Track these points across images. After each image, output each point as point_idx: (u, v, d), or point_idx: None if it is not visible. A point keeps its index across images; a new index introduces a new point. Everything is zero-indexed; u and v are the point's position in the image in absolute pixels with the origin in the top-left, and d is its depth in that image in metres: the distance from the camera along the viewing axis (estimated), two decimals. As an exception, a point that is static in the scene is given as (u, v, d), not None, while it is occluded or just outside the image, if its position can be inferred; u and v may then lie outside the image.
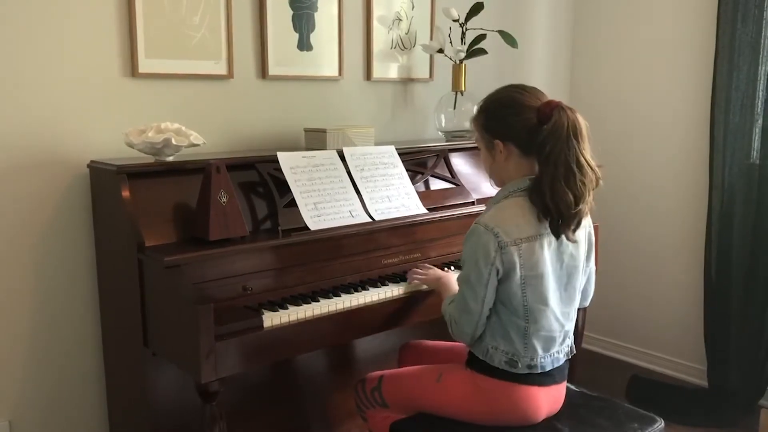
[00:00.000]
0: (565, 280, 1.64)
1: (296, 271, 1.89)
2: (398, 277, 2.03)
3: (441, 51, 2.65)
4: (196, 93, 2.22)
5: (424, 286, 1.98)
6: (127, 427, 2.03)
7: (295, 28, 2.41)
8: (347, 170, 2.11)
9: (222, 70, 2.25)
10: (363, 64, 2.64)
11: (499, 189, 1.70)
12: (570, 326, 1.69)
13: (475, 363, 1.67)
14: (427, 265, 2.07)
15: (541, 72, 3.30)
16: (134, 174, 1.80)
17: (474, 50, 2.67)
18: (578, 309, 1.73)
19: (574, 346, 1.73)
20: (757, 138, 2.70)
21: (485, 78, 2.97)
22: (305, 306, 1.77)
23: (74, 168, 2.00)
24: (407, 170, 2.26)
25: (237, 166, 1.94)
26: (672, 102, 3.04)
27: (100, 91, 2.03)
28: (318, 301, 1.82)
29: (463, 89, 2.70)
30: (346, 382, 2.32)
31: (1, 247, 1.92)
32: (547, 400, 1.67)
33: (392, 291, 1.94)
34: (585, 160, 1.54)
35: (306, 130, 2.32)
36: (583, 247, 1.66)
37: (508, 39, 2.68)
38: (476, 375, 1.66)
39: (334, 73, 2.54)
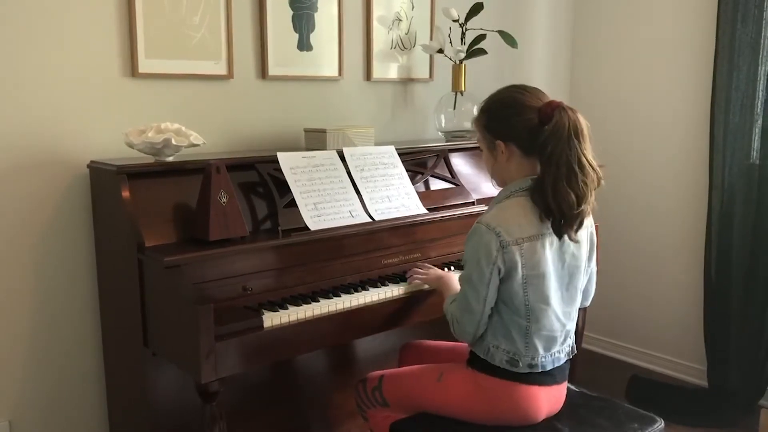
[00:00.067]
0: (567, 280, 1.64)
1: (296, 272, 1.89)
2: (398, 278, 2.03)
3: (441, 51, 2.65)
4: (196, 93, 2.22)
5: (426, 286, 1.98)
6: (127, 427, 2.04)
7: (295, 29, 2.41)
8: (347, 170, 2.11)
9: (222, 70, 2.25)
10: (363, 65, 2.64)
11: (501, 189, 1.70)
12: (571, 326, 1.69)
13: (476, 362, 1.68)
14: (427, 264, 2.07)
15: (541, 72, 3.30)
16: (134, 174, 1.80)
17: (474, 50, 2.67)
18: (579, 309, 1.73)
19: (575, 346, 1.73)
20: (757, 138, 2.70)
21: (485, 78, 2.97)
22: (305, 306, 1.77)
23: (74, 168, 2.00)
24: (407, 170, 2.26)
25: (237, 166, 1.94)
26: (672, 102, 3.04)
27: (100, 91, 2.03)
28: (318, 301, 1.82)
29: (463, 89, 2.70)
30: (346, 382, 2.32)
31: (1, 247, 1.92)
32: (548, 399, 1.67)
33: (392, 291, 1.94)
34: (587, 160, 1.55)
35: (306, 131, 2.32)
36: (584, 247, 1.67)
37: (508, 39, 2.68)
38: (477, 374, 1.67)
39: (334, 73, 2.54)
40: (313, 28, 2.46)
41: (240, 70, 2.30)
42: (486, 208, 1.74)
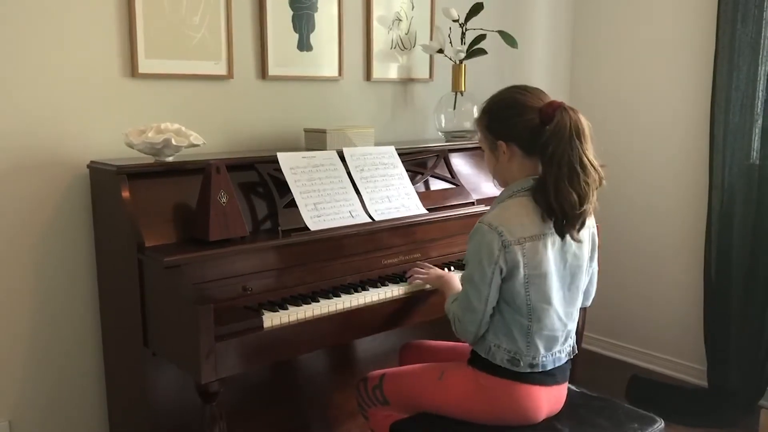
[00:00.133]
0: (569, 280, 1.64)
1: (296, 272, 1.89)
2: (398, 278, 2.03)
3: (441, 51, 2.65)
4: (196, 93, 2.22)
5: (427, 286, 1.98)
6: (127, 427, 2.04)
7: (295, 29, 2.41)
8: (347, 170, 2.11)
9: (222, 70, 2.25)
10: (363, 65, 2.64)
11: (503, 189, 1.71)
12: (572, 326, 1.69)
13: (478, 361, 1.68)
14: (427, 264, 2.07)
15: (541, 72, 3.30)
16: (134, 174, 1.80)
17: (474, 50, 2.67)
18: (579, 309, 1.74)
19: (576, 346, 1.74)
20: (757, 138, 2.70)
21: (485, 78, 2.97)
22: (305, 306, 1.77)
23: (74, 168, 2.00)
24: (407, 170, 2.26)
25: (237, 166, 1.94)
26: (672, 102, 3.04)
27: (100, 91, 2.03)
28: (318, 301, 1.82)
29: (463, 89, 2.70)
30: (347, 382, 2.32)
31: (1, 247, 1.92)
32: (548, 399, 1.68)
33: (392, 291, 1.94)
34: (588, 160, 1.55)
35: (306, 131, 2.32)
36: (586, 247, 1.67)
37: (508, 39, 2.68)
38: (478, 373, 1.67)
39: (334, 73, 2.54)
40: (313, 28, 2.46)
41: (240, 70, 2.30)
42: (486, 208, 1.74)
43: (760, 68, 2.65)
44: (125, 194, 1.76)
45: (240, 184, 1.94)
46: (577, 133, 1.54)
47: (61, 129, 1.98)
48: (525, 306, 1.59)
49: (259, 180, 1.98)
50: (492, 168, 1.73)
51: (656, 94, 3.10)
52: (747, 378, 2.78)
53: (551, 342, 1.64)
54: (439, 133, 2.75)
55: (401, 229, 2.12)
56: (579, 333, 2.32)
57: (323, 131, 2.22)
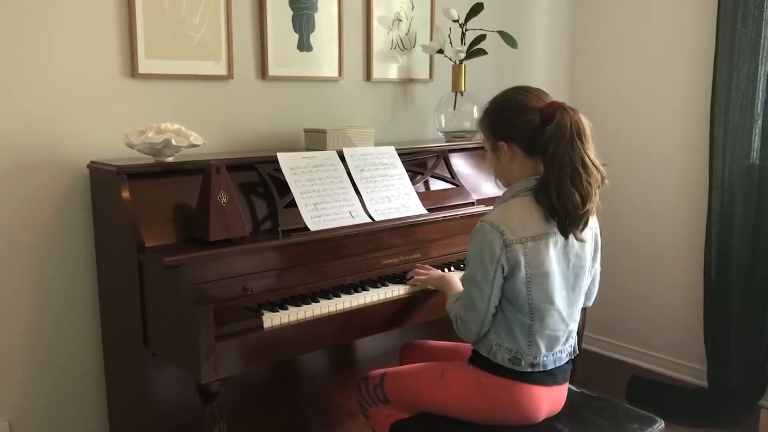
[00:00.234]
0: (572, 281, 1.64)
1: (296, 272, 1.89)
2: (398, 278, 2.03)
3: (441, 51, 2.65)
4: (196, 93, 2.22)
5: (429, 286, 1.98)
6: (127, 427, 2.04)
7: (295, 29, 2.41)
8: (347, 171, 2.11)
9: (222, 70, 2.25)
10: (363, 65, 2.64)
11: (506, 189, 1.71)
12: (574, 326, 1.70)
13: (478, 360, 1.68)
14: (427, 266, 2.07)
15: (541, 72, 3.30)
16: (134, 174, 1.80)
17: (474, 51, 2.67)
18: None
19: (577, 346, 1.74)
20: (757, 138, 2.70)
21: (485, 78, 2.98)
22: (305, 306, 1.77)
23: (74, 168, 2.00)
24: (407, 171, 2.26)
25: (237, 166, 1.94)
26: (672, 102, 3.04)
27: (100, 92, 2.03)
28: (318, 301, 1.82)
29: (463, 90, 2.70)
30: (347, 382, 2.32)
31: (1, 247, 1.92)
32: (549, 400, 1.68)
33: (392, 291, 1.94)
34: (590, 159, 1.55)
35: (306, 131, 2.32)
36: (589, 248, 1.67)
37: (508, 39, 2.68)
38: (479, 372, 1.67)
39: (334, 73, 2.54)
40: (313, 29, 2.46)
41: (240, 71, 2.30)
42: (486, 208, 1.74)
43: (760, 68, 2.65)
44: (125, 194, 1.76)
45: (240, 184, 1.94)
46: (578, 133, 1.55)
47: (61, 129, 1.98)
48: (527, 305, 1.59)
49: (259, 180, 1.98)
50: (494, 168, 1.73)
51: (656, 94, 3.10)
52: (747, 378, 2.78)
53: (553, 342, 1.64)
54: (439, 134, 2.75)
55: (401, 230, 2.12)
56: (579, 333, 2.32)
57: (323, 131, 2.22)
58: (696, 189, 2.98)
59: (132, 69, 2.07)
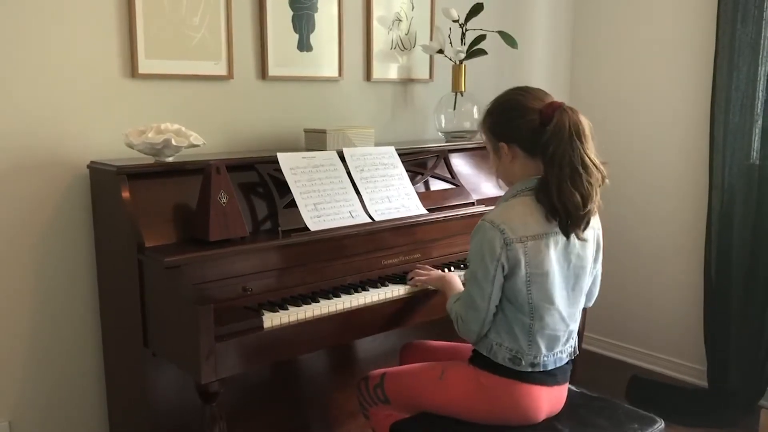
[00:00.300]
0: (573, 281, 1.64)
1: (296, 272, 1.89)
2: (398, 278, 2.03)
3: (441, 51, 2.65)
4: (196, 93, 2.22)
5: (429, 286, 1.98)
6: (127, 427, 2.04)
7: (295, 29, 2.41)
8: (347, 171, 2.11)
9: (222, 70, 2.25)
10: (363, 65, 2.64)
11: (508, 189, 1.71)
12: (574, 327, 1.70)
13: (479, 360, 1.68)
14: (427, 266, 2.07)
15: (541, 72, 3.30)
16: (134, 175, 1.80)
17: (474, 51, 2.67)
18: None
19: (577, 347, 1.74)
20: (757, 138, 2.70)
21: (485, 78, 2.98)
22: (305, 306, 1.77)
23: (74, 168, 2.00)
24: (407, 171, 2.26)
25: (237, 166, 1.94)
26: (672, 102, 3.04)
27: (100, 92, 2.03)
28: (318, 301, 1.82)
29: (463, 90, 2.69)
30: (347, 382, 2.32)
31: (1, 247, 1.92)
32: (549, 400, 1.68)
33: (392, 291, 1.94)
34: (590, 159, 1.55)
35: (306, 131, 2.32)
36: (590, 248, 1.67)
37: (508, 39, 2.68)
38: (479, 372, 1.67)
39: (334, 73, 2.54)
40: (313, 29, 2.46)
41: (240, 71, 2.30)
42: (486, 208, 1.74)
43: (760, 68, 2.65)
44: (125, 194, 1.76)
45: (240, 185, 1.94)
46: (577, 133, 1.55)
47: (61, 129, 1.98)
48: (527, 304, 1.59)
49: (259, 180, 1.98)
50: (496, 169, 1.74)
51: (656, 94, 3.10)
52: (747, 378, 2.78)
53: (553, 342, 1.64)
54: (439, 134, 2.75)
55: (401, 230, 2.12)
56: (579, 333, 2.32)
57: (323, 131, 2.22)
58: (696, 189, 2.98)
59: (132, 69, 2.07)
